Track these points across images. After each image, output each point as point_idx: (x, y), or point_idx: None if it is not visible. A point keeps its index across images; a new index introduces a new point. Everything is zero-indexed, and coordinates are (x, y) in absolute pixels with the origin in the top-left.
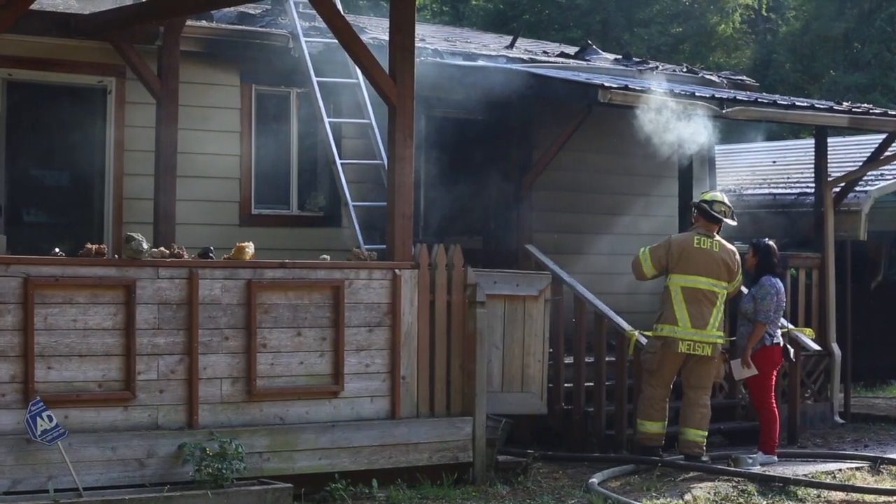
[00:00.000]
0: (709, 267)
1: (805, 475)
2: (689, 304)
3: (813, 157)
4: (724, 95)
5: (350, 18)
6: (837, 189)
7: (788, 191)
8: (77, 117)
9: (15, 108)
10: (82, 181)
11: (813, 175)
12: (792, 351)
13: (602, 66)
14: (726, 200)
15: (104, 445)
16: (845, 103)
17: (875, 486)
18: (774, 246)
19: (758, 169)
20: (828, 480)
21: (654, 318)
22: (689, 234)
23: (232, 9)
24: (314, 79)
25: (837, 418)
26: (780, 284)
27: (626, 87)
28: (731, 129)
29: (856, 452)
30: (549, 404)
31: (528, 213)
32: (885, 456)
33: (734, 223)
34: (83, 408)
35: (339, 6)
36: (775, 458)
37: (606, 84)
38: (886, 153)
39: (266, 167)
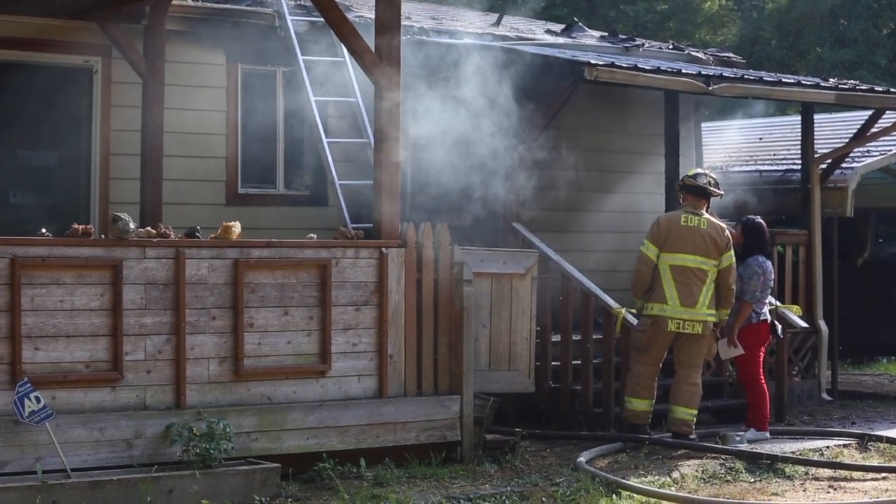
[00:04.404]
0: (696, 244)
1: (793, 452)
2: (678, 283)
3: (799, 134)
4: (711, 72)
5: None
6: (824, 166)
7: (775, 168)
8: (63, 97)
9: (0, 88)
10: (69, 161)
11: (799, 152)
12: (780, 327)
13: (588, 44)
14: (709, 173)
15: (92, 426)
16: (832, 80)
17: (863, 463)
18: (764, 224)
19: (744, 146)
20: (815, 458)
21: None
22: (676, 212)
23: None
24: (300, 57)
25: (825, 395)
26: (768, 264)
27: (612, 65)
28: (721, 107)
29: (843, 430)
30: (536, 382)
31: (514, 190)
32: (872, 433)
33: (721, 193)
34: (71, 389)
35: None
36: (767, 434)
37: (593, 61)
38: (873, 129)
39: (252, 146)
